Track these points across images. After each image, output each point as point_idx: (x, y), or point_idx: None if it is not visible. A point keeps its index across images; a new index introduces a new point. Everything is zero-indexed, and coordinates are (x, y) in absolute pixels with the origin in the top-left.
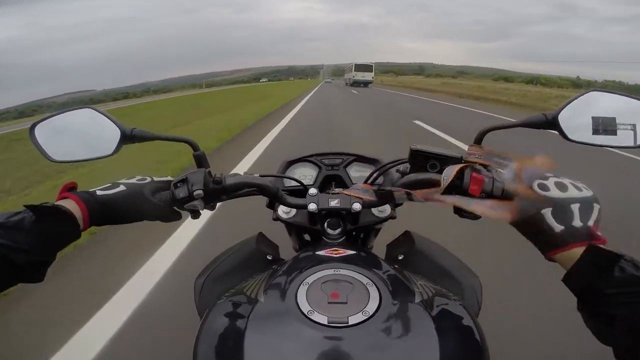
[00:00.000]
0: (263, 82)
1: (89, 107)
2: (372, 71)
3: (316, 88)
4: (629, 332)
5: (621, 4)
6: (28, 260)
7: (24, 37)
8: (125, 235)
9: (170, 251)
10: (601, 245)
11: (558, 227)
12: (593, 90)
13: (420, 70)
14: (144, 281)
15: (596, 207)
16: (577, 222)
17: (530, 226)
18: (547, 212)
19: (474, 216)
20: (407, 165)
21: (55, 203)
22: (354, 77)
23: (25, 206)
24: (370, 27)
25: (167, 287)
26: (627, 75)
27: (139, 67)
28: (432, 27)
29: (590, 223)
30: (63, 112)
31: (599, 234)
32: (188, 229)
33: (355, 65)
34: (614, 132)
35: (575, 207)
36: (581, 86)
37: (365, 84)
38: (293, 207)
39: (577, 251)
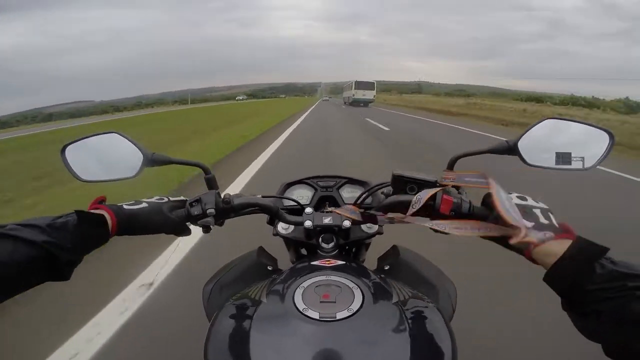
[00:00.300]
0: (240, 100)
1: (115, 132)
2: (373, 89)
3: (312, 107)
4: (616, 327)
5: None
6: (66, 258)
7: (26, 44)
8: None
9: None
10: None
11: (529, 224)
12: (547, 118)
13: (418, 88)
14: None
15: (552, 216)
16: (543, 220)
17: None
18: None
19: (446, 232)
20: (390, 188)
21: (93, 212)
22: (353, 95)
23: (75, 211)
24: (368, 46)
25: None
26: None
27: (137, 79)
28: (427, 46)
29: (555, 221)
30: (91, 136)
31: (572, 229)
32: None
33: (356, 82)
34: (567, 157)
35: (537, 211)
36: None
37: (366, 103)
38: (291, 224)
39: (554, 245)
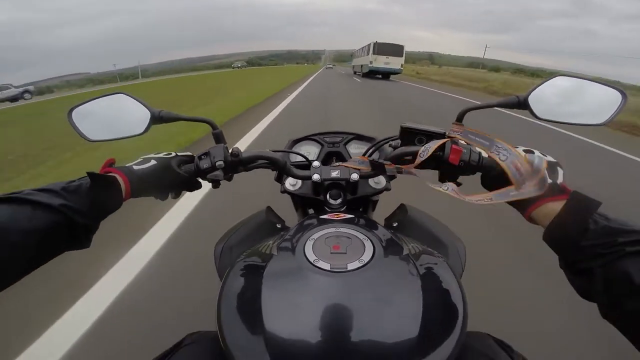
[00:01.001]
0: (237, 67)
1: (122, 93)
2: (401, 55)
3: (313, 76)
4: (607, 285)
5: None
6: (84, 223)
7: (18, 19)
8: None
9: None
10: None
11: (532, 182)
12: (560, 76)
13: (430, 59)
14: None
15: (560, 170)
16: (547, 179)
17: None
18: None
19: (456, 183)
20: (399, 140)
21: (105, 174)
22: (371, 63)
23: (87, 173)
24: (375, 14)
25: None
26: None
27: (135, 49)
28: (439, 16)
29: (559, 181)
30: (98, 98)
31: (569, 188)
32: None
33: (377, 45)
34: (577, 112)
35: (543, 167)
36: None
37: (387, 74)
38: (299, 179)
39: (551, 205)
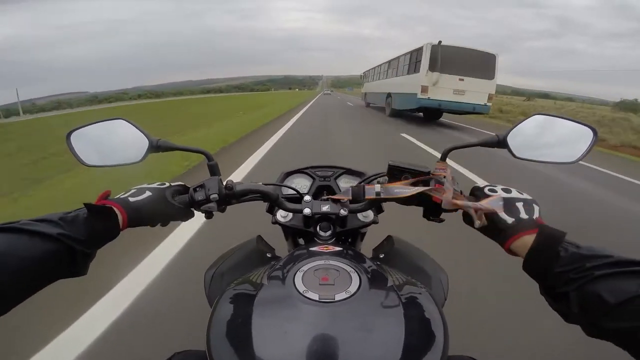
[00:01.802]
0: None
1: (121, 119)
2: (492, 74)
3: (300, 113)
4: (582, 307)
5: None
6: (82, 251)
7: (23, 35)
8: None
9: None
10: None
11: (510, 220)
12: (537, 114)
13: None
14: None
15: (536, 207)
16: (524, 215)
17: (488, 223)
18: (499, 209)
19: (439, 220)
20: (386, 177)
21: (101, 205)
22: (424, 92)
23: (84, 204)
24: (372, 40)
25: None
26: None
27: (136, 70)
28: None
29: (535, 216)
30: (97, 122)
31: (545, 223)
32: None
33: (440, 49)
34: (553, 149)
35: (520, 205)
36: None
37: (438, 113)
38: (291, 212)
39: (528, 239)
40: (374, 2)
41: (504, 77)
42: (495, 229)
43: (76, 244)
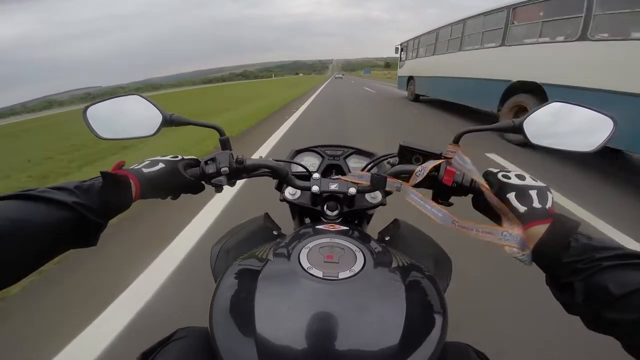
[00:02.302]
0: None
1: (136, 94)
2: None
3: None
4: (586, 298)
5: None
6: (94, 220)
7: (34, 33)
8: None
9: None
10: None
11: (522, 208)
12: (556, 101)
13: None
14: None
15: (550, 195)
16: (536, 204)
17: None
18: (511, 196)
19: (448, 204)
20: (397, 158)
21: (118, 174)
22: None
23: (100, 172)
24: (380, 22)
25: None
26: None
27: (146, 63)
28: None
29: (548, 205)
30: (113, 98)
31: (557, 212)
32: None
33: None
34: (570, 137)
35: (533, 193)
36: None
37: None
38: (299, 189)
39: (540, 228)
40: None
41: None
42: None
43: (90, 213)
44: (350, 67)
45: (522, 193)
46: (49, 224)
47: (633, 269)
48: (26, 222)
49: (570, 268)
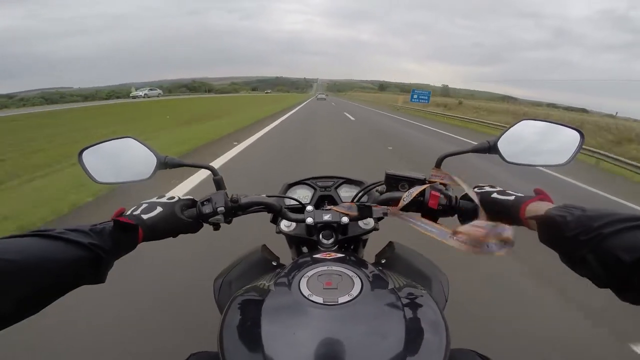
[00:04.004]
0: (141, 96)
1: (130, 138)
2: None
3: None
4: (603, 268)
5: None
6: (106, 260)
7: (9, 27)
8: None
9: None
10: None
11: (511, 197)
12: (525, 119)
13: (445, 92)
14: None
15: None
16: (519, 193)
17: (490, 212)
18: (495, 195)
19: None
20: (384, 186)
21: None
22: None
23: (113, 220)
24: (370, 45)
25: None
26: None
27: (127, 66)
28: (431, 49)
29: (532, 190)
30: (108, 140)
31: (544, 191)
32: None
33: None
34: (542, 153)
35: (512, 191)
36: None
37: None
38: (294, 222)
39: (533, 206)
40: (374, 7)
41: (494, 86)
42: (501, 212)
43: (103, 253)
44: (336, 87)
45: (503, 192)
46: (68, 261)
47: (634, 233)
48: (49, 259)
49: (574, 242)
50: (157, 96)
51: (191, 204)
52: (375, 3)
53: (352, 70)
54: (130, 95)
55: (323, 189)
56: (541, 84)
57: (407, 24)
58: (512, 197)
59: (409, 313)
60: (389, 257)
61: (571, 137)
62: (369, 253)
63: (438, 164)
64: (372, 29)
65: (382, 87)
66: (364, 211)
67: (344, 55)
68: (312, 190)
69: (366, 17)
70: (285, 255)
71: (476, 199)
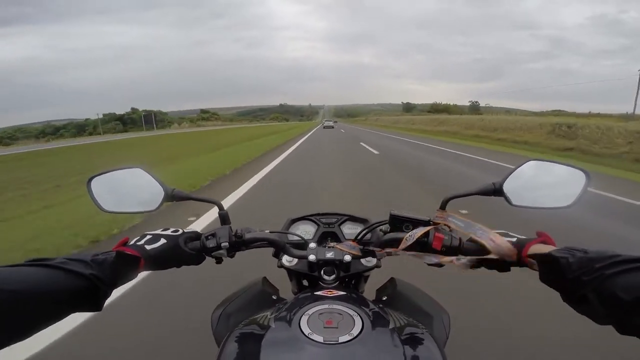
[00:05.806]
0: None
1: (139, 167)
2: None
3: None
4: (604, 307)
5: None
6: (104, 290)
7: (36, 57)
8: None
9: None
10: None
11: (513, 239)
12: (531, 160)
13: (474, 109)
14: None
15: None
16: (521, 236)
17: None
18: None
19: (439, 265)
20: (388, 225)
21: (129, 253)
22: None
23: (115, 251)
24: (371, 68)
25: None
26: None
27: (132, 97)
28: (432, 68)
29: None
30: (117, 169)
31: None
32: None
33: None
34: (547, 194)
35: (512, 234)
36: None
37: None
38: (296, 258)
39: (535, 247)
40: (372, 30)
41: (497, 101)
42: (503, 261)
43: (102, 284)
44: (343, 112)
45: (506, 235)
46: (67, 292)
47: (634, 274)
48: (48, 290)
49: (576, 282)
50: None
51: (195, 237)
52: (374, 25)
53: (356, 94)
54: None
55: (327, 225)
56: (543, 95)
57: (405, 44)
58: (514, 240)
59: (409, 352)
60: (390, 294)
61: (577, 177)
62: (369, 286)
63: (443, 206)
64: (372, 52)
65: (408, 108)
66: (367, 253)
67: (348, 80)
68: (316, 227)
69: (364, 40)
70: (285, 286)
71: (479, 239)
